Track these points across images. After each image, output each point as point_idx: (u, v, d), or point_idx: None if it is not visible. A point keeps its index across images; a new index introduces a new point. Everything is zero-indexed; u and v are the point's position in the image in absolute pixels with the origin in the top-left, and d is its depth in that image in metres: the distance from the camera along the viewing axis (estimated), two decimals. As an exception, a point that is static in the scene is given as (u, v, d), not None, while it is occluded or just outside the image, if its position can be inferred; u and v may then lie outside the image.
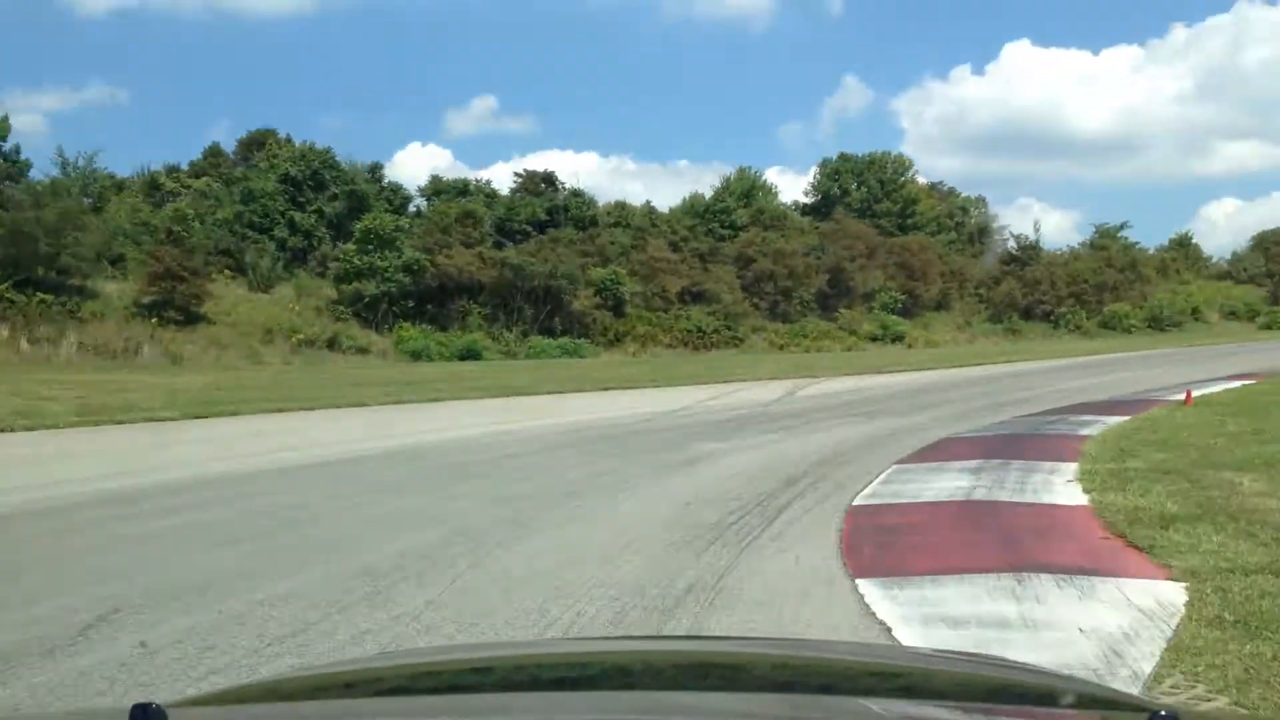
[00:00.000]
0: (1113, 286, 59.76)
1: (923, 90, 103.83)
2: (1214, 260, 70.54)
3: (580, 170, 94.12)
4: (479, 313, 43.96)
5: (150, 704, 1.38)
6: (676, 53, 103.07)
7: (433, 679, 2.09)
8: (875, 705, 1.72)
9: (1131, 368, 30.44)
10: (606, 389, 25.57)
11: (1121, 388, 22.73)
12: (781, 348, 47.43)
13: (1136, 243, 65.76)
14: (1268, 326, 59.06)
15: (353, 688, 2.04)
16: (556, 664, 2.26)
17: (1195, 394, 17.92)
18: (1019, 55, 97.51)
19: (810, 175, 62.73)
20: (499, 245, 45.97)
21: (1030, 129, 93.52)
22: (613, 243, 47.62)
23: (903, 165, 61.82)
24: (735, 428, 15.57)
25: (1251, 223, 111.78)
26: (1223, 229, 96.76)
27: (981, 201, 66.28)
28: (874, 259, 52.43)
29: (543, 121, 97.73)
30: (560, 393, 24.17)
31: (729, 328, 47.16)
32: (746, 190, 56.15)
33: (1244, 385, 21.59)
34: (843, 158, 61.31)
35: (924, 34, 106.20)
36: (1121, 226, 65.66)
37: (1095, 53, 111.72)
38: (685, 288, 47.14)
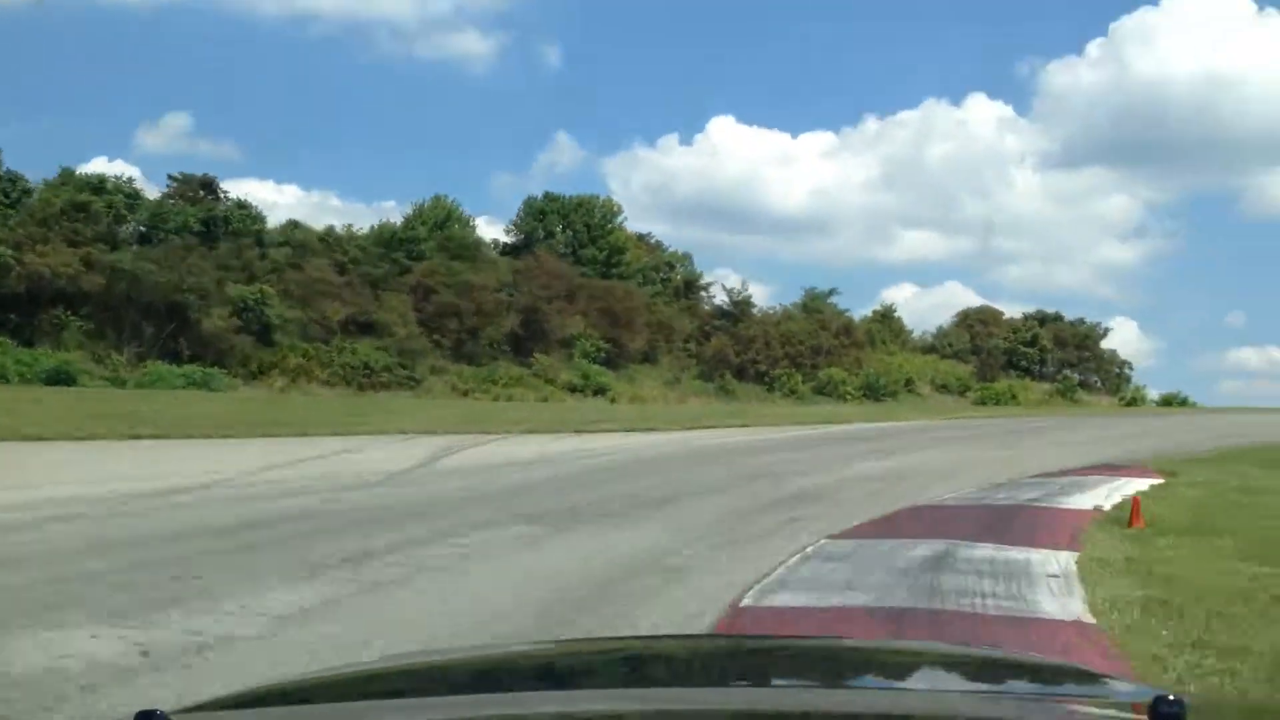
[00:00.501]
0: (827, 351, 57.65)
1: (631, 154, 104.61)
2: (915, 334, 70.59)
3: (280, 202, 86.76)
4: (78, 327, 35.12)
5: (155, 711, 1.44)
6: (390, 92, 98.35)
7: (441, 680, 2.13)
8: (894, 693, 1.81)
9: (916, 445, 22.87)
10: (159, 437, 18.29)
11: (954, 478, 15.76)
12: (465, 393, 41.24)
13: (847, 310, 64.49)
14: (981, 402, 58.61)
15: (358, 690, 2.04)
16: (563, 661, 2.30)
17: (1107, 503, 12.52)
18: (724, 130, 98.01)
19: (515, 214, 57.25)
20: (114, 247, 37.29)
21: (731, 202, 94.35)
22: (264, 258, 39.88)
23: (611, 210, 57.55)
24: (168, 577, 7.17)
25: (925, 308, 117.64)
26: (903, 313, 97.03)
27: (688, 257, 62.97)
28: (574, 303, 47.40)
29: (242, 148, 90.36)
30: (56, 440, 16.77)
31: (403, 366, 40.50)
32: (441, 220, 49.87)
33: (1162, 484, 15.44)
34: (549, 197, 56.18)
35: (637, 99, 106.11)
36: (831, 292, 64.28)
37: (794, 135, 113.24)
38: (351, 316, 40.16)
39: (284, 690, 2.08)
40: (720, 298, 60.87)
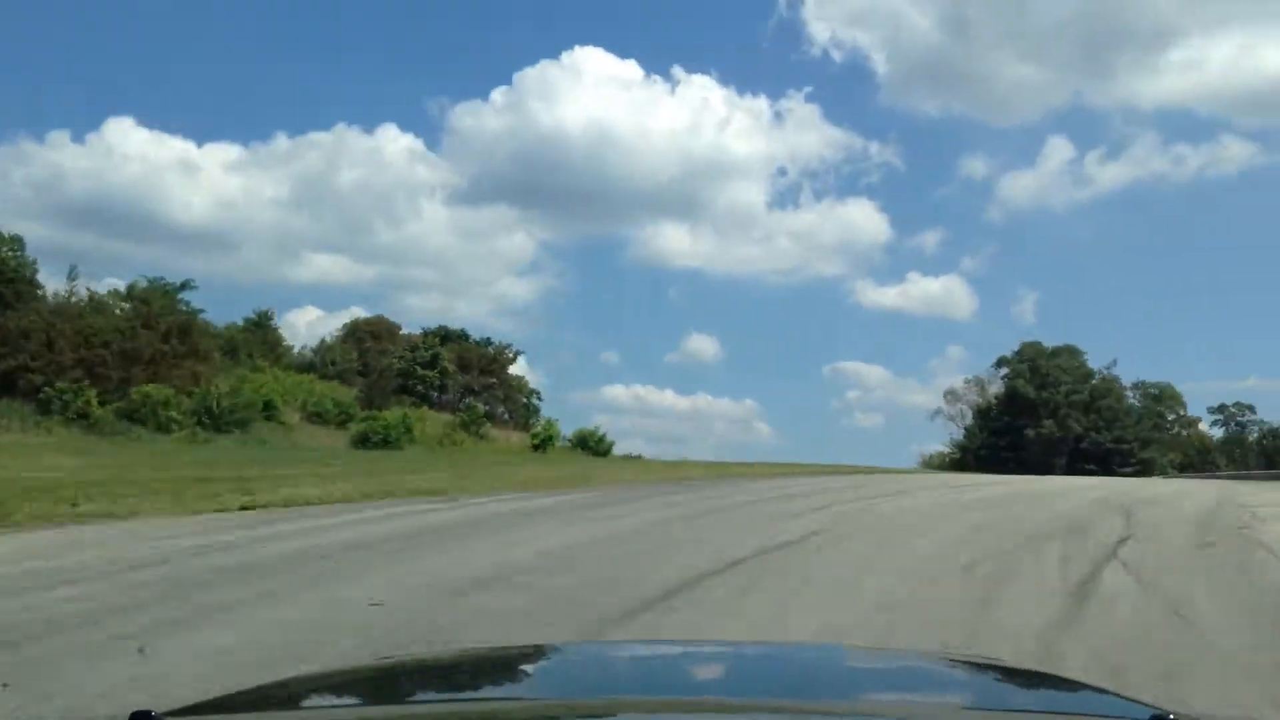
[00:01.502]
0: (150, 359, 40.90)
1: (16, 148, 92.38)
2: (298, 350, 56.25)
3: None
4: None
5: (149, 712, 1.44)
6: None
7: (432, 682, 2.12)
8: (879, 705, 1.82)
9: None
10: None
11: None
12: None
13: (200, 310, 47.96)
14: (364, 439, 45.51)
15: (344, 694, 2.03)
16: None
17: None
18: (123, 131, 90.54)
19: None
20: None
21: (126, 209, 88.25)
22: None
23: None
24: None
25: (330, 331, 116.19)
26: (304, 336, 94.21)
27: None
28: None
29: None
30: None
31: None
32: None
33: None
34: None
35: (23, 88, 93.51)
36: (184, 286, 47.51)
37: (199, 144, 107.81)
38: None
39: (276, 691, 2.09)
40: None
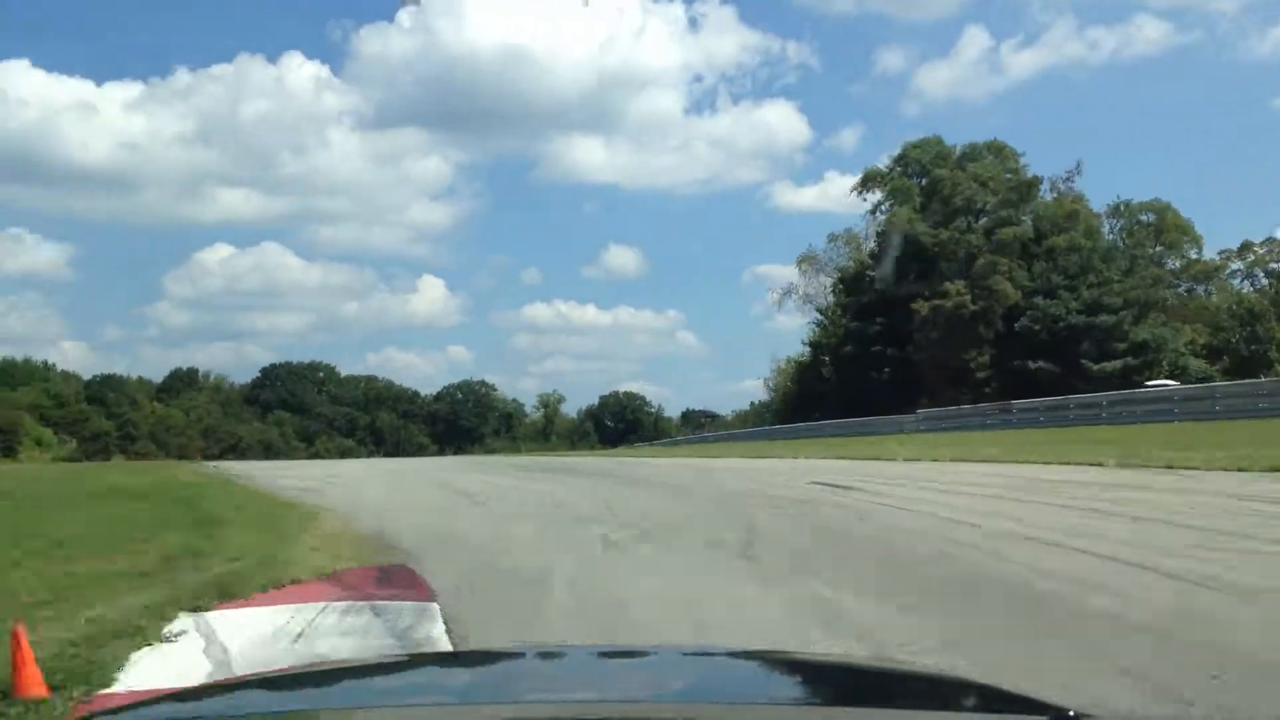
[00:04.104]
0: None
1: None
2: None
3: None
4: None
5: (90, 716, 1.77)
6: None
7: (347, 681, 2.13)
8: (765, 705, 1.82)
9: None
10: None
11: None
12: None
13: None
14: None
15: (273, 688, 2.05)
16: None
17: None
18: (17, 73, 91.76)
19: None
20: None
21: (22, 153, 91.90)
22: None
23: None
24: None
25: (243, 270, 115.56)
26: (216, 274, 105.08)
27: None
28: None
29: None
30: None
31: None
32: None
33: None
34: None
35: None
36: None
37: (99, 83, 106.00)
38: None
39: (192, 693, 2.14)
40: None
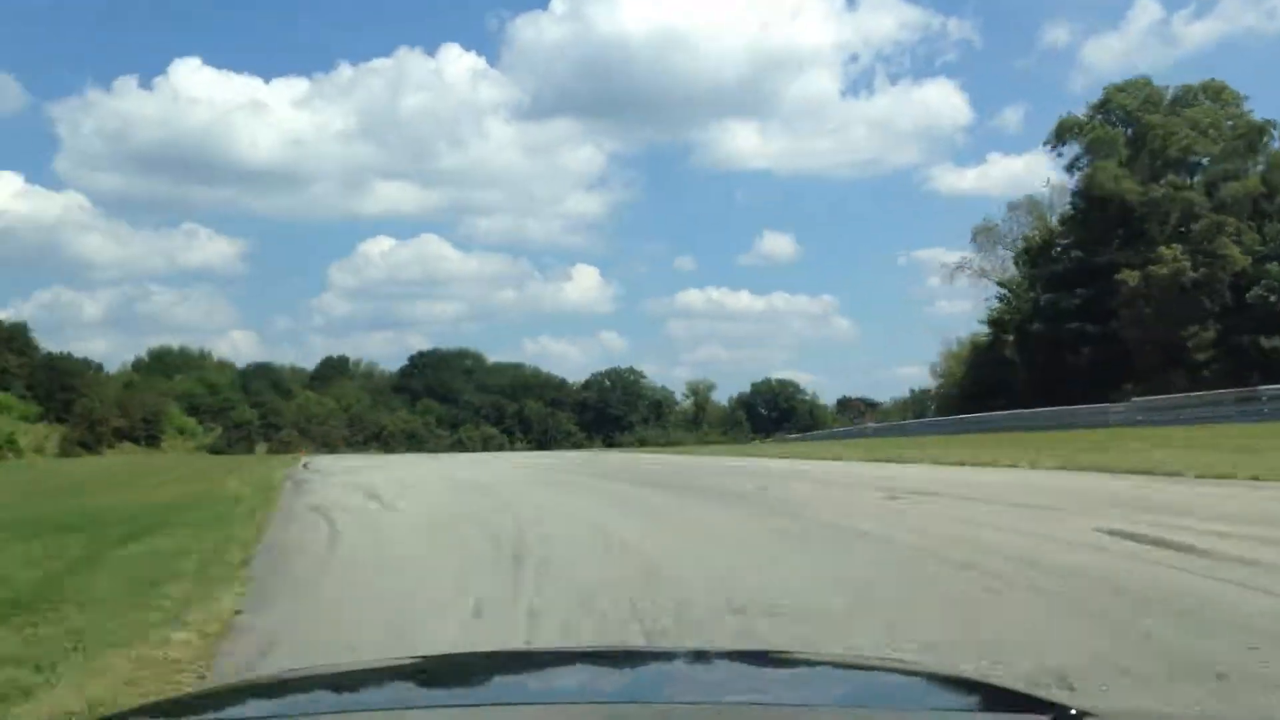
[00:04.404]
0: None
1: (83, 99, 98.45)
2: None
3: None
4: None
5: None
6: None
7: (366, 685, 2.10)
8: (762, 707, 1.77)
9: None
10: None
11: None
12: None
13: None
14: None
15: (287, 695, 2.03)
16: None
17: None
18: (189, 73, 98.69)
19: None
20: None
21: (197, 151, 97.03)
22: None
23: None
24: None
25: (407, 259, 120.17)
26: (378, 265, 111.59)
27: None
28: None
29: None
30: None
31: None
32: None
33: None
34: None
35: (85, 36, 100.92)
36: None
37: (266, 80, 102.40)
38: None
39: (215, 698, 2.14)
40: None
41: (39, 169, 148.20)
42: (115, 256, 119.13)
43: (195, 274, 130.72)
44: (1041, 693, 1.77)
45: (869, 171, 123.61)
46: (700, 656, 2.50)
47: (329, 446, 78.97)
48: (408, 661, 2.44)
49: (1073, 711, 1.47)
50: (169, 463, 33.53)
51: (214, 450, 68.47)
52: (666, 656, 2.53)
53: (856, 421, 66.15)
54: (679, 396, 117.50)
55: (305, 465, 27.28)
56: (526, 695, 1.94)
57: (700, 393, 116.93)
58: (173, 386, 79.94)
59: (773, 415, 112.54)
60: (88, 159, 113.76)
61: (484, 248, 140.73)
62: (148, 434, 62.81)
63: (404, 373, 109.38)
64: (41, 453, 47.61)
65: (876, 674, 2.30)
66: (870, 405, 74.15)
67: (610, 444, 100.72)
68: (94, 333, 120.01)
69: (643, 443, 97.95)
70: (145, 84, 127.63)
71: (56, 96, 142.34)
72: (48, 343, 67.02)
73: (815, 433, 72.33)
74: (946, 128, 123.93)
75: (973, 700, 1.94)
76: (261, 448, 72.53)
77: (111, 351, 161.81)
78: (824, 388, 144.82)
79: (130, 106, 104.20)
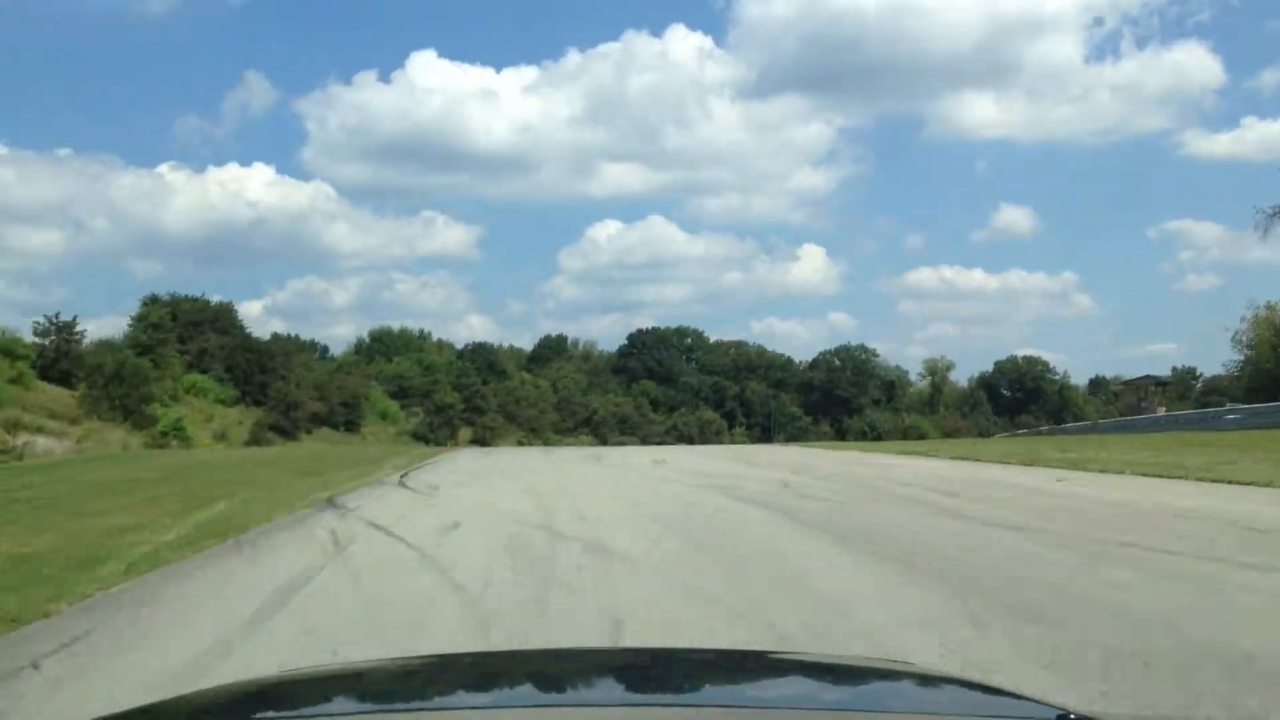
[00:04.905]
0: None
1: (326, 94, 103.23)
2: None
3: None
4: None
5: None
6: (64, 36, 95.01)
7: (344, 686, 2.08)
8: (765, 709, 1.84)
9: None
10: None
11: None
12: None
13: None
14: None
15: (275, 699, 2.00)
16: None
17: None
18: (425, 65, 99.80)
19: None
20: None
21: (434, 141, 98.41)
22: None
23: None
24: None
25: (634, 242, 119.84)
26: (604, 249, 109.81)
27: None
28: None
29: None
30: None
31: None
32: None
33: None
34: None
35: (331, 33, 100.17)
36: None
37: (497, 70, 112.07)
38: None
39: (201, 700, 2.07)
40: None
41: (288, 161, 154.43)
42: (360, 245, 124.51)
43: (434, 260, 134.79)
44: (1042, 697, 1.78)
45: (1113, 139, 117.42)
46: (695, 657, 2.64)
47: (536, 432, 75.05)
48: (408, 661, 2.55)
49: (1072, 716, 1.47)
50: (239, 460, 28.67)
51: (416, 436, 65.62)
52: (664, 657, 2.63)
53: (1145, 406, 55.11)
54: (913, 376, 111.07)
55: (402, 479, 21.02)
56: (524, 699, 1.92)
57: (938, 372, 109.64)
58: (384, 369, 78.28)
59: (1016, 396, 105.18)
60: (332, 150, 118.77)
61: (710, 229, 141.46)
62: (347, 419, 60.41)
63: (623, 353, 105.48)
64: (225, 440, 45.00)
65: (878, 676, 2.31)
66: (1159, 384, 62.23)
67: (839, 430, 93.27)
68: (341, 320, 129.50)
69: (871, 428, 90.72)
70: (384, 77, 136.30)
71: (303, 92, 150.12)
72: (301, 330, 69.81)
73: (1074, 425, 61.60)
74: (1196, 91, 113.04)
75: (971, 701, 1.98)
76: (465, 433, 69.25)
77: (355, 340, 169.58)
78: (1071, 368, 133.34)
79: (370, 99, 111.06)
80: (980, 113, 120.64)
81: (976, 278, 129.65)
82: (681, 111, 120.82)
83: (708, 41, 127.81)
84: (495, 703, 1.87)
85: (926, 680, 2.26)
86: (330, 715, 1.79)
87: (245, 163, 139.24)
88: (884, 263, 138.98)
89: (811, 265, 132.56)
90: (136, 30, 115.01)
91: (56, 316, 44.12)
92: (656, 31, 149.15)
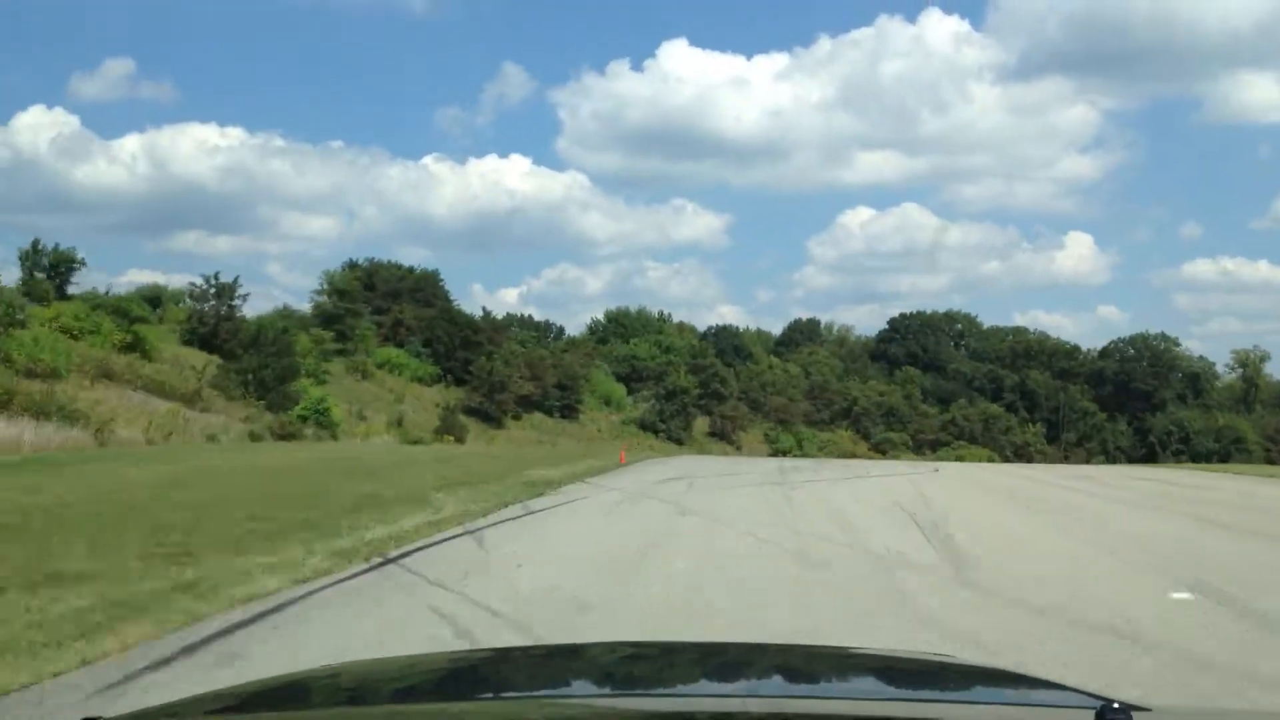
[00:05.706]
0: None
1: (580, 83, 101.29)
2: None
3: (222, 144, 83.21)
4: None
5: (98, 718, 1.46)
6: (330, 29, 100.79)
7: (366, 689, 2.03)
8: (819, 700, 1.85)
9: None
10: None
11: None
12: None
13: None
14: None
15: (293, 699, 1.95)
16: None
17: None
18: (676, 54, 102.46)
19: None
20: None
21: (684, 129, 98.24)
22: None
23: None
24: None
25: (887, 230, 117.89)
26: (857, 236, 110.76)
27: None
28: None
29: (184, 90, 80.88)
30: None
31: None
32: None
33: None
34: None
35: (585, 24, 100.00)
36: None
37: (748, 57, 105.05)
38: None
39: (215, 700, 2.01)
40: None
41: (543, 151, 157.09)
42: (613, 232, 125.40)
43: (684, 248, 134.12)
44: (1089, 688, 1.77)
45: None
46: (728, 651, 2.66)
47: (785, 424, 64.46)
48: (408, 662, 2.55)
49: (1115, 705, 1.47)
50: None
51: (643, 425, 56.52)
52: (690, 651, 2.60)
53: None
54: (1220, 369, 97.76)
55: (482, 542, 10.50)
56: (552, 692, 1.95)
57: (1251, 364, 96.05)
58: (614, 350, 69.81)
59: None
60: (585, 139, 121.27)
61: (967, 216, 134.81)
62: (563, 403, 52.00)
63: (882, 338, 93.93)
64: (400, 427, 37.00)
65: (924, 668, 2.29)
66: None
67: (1138, 430, 79.43)
68: (593, 307, 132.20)
69: (1178, 428, 76.82)
70: (636, 66, 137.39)
71: (557, 82, 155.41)
72: (554, 317, 67.03)
73: None
74: None
75: (1017, 692, 1.97)
76: (702, 423, 59.50)
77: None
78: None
79: (623, 88, 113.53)
80: (1262, 93, 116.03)
81: (1262, 269, 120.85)
82: (937, 96, 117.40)
83: (964, 25, 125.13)
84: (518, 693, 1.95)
85: (970, 673, 2.38)
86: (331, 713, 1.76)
87: (503, 154, 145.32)
88: (1158, 253, 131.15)
89: (1078, 254, 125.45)
90: (399, 26, 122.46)
91: (216, 277, 37.82)
92: (910, 17, 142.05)
